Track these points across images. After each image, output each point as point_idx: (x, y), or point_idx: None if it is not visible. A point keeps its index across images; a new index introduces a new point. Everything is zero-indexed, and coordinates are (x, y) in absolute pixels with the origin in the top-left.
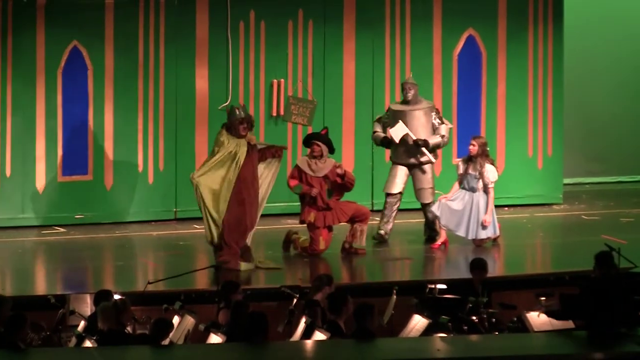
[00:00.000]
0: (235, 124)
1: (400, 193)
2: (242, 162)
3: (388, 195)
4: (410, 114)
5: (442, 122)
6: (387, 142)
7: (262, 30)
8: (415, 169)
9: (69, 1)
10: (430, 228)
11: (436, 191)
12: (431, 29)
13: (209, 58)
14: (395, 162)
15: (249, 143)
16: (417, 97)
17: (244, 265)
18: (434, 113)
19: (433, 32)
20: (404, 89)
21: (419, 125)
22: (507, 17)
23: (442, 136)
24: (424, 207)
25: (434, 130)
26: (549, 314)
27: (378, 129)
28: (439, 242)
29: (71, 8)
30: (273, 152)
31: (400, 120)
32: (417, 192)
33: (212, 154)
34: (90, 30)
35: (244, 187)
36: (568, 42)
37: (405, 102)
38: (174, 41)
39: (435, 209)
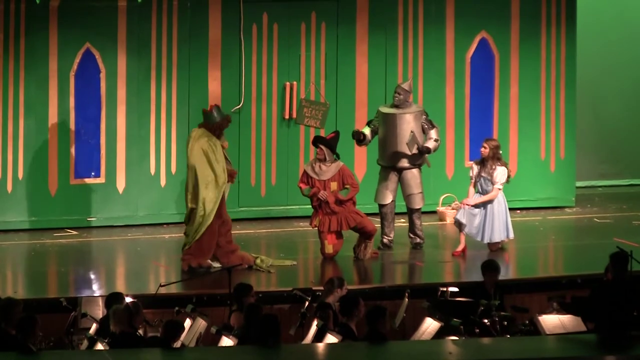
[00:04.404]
0: (226, 124)
1: (392, 201)
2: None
3: (381, 205)
4: (400, 117)
5: (433, 126)
6: (357, 137)
7: (274, 33)
8: (404, 172)
9: (82, 3)
10: (416, 235)
11: (448, 194)
12: (444, 31)
13: (221, 60)
14: (383, 165)
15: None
16: (406, 102)
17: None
18: (424, 116)
19: (446, 35)
20: (394, 92)
21: (409, 128)
22: (520, 19)
23: (436, 140)
24: (412, 213)
25: (424, 132)
26: (562, 306)
27: (366, 132)
28: (459, 249)
29: (84, 10)
30: (230, 171)
31: (412, 132)
32: (407, 197)
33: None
34: (103, 33)
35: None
36: (581, 44)
37: (394, 105)
38: (186, 43)
39: (460, 216)
